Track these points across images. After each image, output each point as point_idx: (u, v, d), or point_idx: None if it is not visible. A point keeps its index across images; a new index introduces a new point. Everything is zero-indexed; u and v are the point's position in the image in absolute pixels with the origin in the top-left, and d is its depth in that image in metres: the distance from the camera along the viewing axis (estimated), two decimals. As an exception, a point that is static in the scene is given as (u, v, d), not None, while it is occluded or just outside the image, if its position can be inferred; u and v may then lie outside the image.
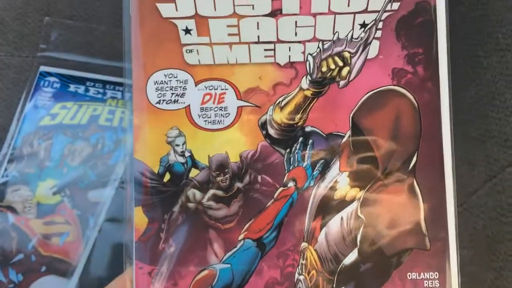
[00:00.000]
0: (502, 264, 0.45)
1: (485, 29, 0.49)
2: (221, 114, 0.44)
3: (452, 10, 0.44)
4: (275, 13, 0.43)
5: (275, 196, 0.44)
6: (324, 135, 0.44)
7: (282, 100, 0.44)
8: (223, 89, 0.44)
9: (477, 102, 0.50)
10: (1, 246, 0.56)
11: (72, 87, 0.60)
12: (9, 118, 0.59)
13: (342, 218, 0.44)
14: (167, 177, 0.44)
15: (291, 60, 0.44)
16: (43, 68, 0.61)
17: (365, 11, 0.44)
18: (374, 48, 0.44)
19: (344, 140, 0.44)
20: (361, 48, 0.44)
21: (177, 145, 0.44)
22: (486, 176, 0.48)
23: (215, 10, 0.43)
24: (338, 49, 0.44)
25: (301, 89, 0.44)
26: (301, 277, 0.43)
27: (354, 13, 0.44)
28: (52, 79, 0.60)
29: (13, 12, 0.61)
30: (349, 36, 0.44)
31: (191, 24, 0.44)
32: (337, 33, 0.44)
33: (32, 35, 0.62)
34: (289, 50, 0.44)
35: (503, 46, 0.47)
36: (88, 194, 0.58)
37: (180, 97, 0.44)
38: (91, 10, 0.62)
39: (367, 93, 0.44)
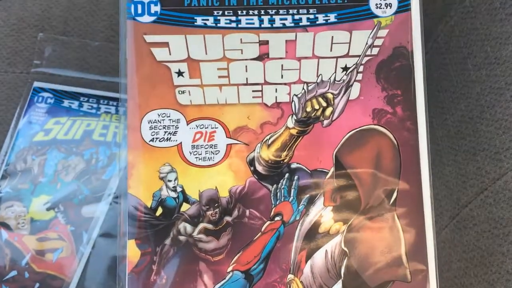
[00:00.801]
0: (494, 277, 0.46)
1: (474, 42, 0.51)
2: (211, 152, 0.47)
3: (441, 23, 0.45)
4: (263, 57, 0.47)
5: (262, 229, 0.46)
6: (309, 171, 0.47)
7: (269, 138, 0.47)
8: (213, 128, 0.47)
9: (467, 116, 0.51)
10: None
11: (66, 103, 0.61)
12: (3, 134, 0.59)
13: (326, 251, 0.46)
14: (159, 211, 0.46)
15: (277, 101, 0.47)
16: (37, 84, 0.61)
17: (347, 55, 0.47)
18: (355, 90, 0.47)
19: (328, 176, 0.47)
20: (343, 90, 0.47)
21: (169, 181, 0.46)
22: (477, 188, 0.49)
23: (206, 54, 0.46)
24: (321, 90, 0.47)
25: (287, 127, 0.47)
26: (288, 308, 0.45)
27: (337, 57, 0.47)
28: (46, 94, 0.60)
29: (7, 28, 0.62)
30: (332, 79, 0.47)
31: (183, 67, 0.47)
32: (320, 76, 0.47)
33: (26, 51, 0.62)
34: (276, 91, 0.47)
35: (492, 60, 0.49)
36: (81, 209, 0.58)
37: (173, 135, 0.47)
38: (85, 26, 0.63)
39: (349, 131, 0.47)
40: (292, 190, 0.47)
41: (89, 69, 0.61)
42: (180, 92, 0.47)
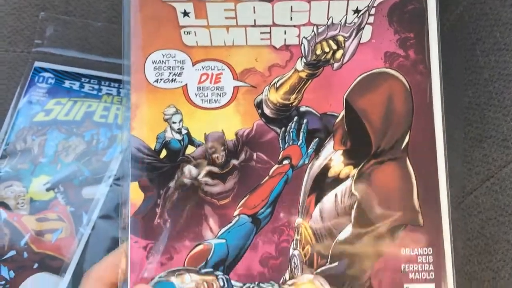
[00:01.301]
0: (499, 265, 0.45)
1: (483, 28, 0.50)
2: (218, 94, 0.45)
3: (449, 9, 0.44)
4: (271, -3, 0.45)
5: (270, 173, 0.45)
6: (319, 115, 0.45)
7: (278, 81, 0.45)
8: (219, 70, 0.45)
9: (474, 102, 0.50)
10: None
11: (67, 83, 0.60)
12: (3, 114, 0.59)
13: (336, 195, 0.44)
14: (163, 153, 0.45)
15: (286, 43, 0.46)
16: (37, 64, 0.60)
17: (358, -3, 0.45)
18: (367, 33, 0.46)
19: (338, 119, 0.45)
20: (354, 33, 0.46)
21: (174, 123, 0.45)
22: (483, 176, 0.49)
23: (212, -7, 0.45)
24: (332, 33, 0.46)
25: (296, 70, 0.45)
26: (296, 252, 0.44)
27: (348, -1, 0.45)
28: (46, 74, 0.60)
29: (8, 7, 0.61)
30: (342, 21, 0.46)
31: (189, 7, 0.45)
32: (331, 18, 0.45)
33: (27, 30, 0.61)
34: (285, 33, 0.46)
35: (501, 46, 0.48)
36: (82, 190, 0.57)
37: (178, 76, 0.45)
38: (87, 6, 0.62)
39: (361, 75, 0.45)
40: (301, 134, 0.45)
41: (90, 50, 0.60)
42: (186, 33, 0.45)
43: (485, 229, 0.48)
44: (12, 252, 0.55)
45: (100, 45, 0.60)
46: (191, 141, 0.45)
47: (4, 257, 0.55)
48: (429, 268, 0.43)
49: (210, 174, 0.45)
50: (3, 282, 0.54)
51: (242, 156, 0.45)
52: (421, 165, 0.44)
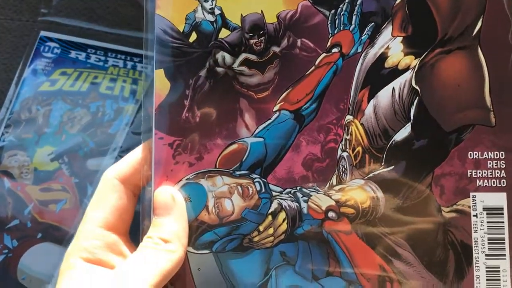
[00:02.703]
0: None
1: None
2: (257, -32, 0.38)
3: None
4: None
5: (316, 62, 0.38)
6: (375, -5, 0.38)
7: (328, -45, 0.38)
8: None
9: None
10: None
11: (73, 54, 0.58)
12: (8, 83, 0.57)
13: (393, 89, 0.38)
14: (193, 37, 0.38)
15: None
16: (43, 33, 0.58)
17: None
18: None
19: (398, 1, 0.38)
20: None
21: (206, 1, 0.38)
22: None
23: None
24: None
25: None
26: (345, 154, 0.38)
27: None
28: (52, 44, 0.58)
29: None
30: None
31: None
32: None
33: None
34: None
35: None
36: (86, 162, 0.55)
37: None
38: None
39: (426, -52, 0.38)
40: (354, 17, 0.38)
41: (97, 21, 0.58)
42: None
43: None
44: (16, 221, 0.54)
45: (107, 16, 0.58)
46: (225, 23, 0.38)
47: (7, 226, 0.54)
48: (500, 174, 0.37)
49: (246, 62, 0.38)
50: (6, 251, 0.53)
51: (284, 43, 0.38)
52: (495, 55, 0.38)
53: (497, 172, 0.38)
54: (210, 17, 0.39)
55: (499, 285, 0.37)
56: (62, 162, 0.55)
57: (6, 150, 0.55)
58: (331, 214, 0.38)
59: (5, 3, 0.59)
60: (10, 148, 0.56)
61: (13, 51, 0.58)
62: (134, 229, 0.39)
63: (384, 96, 0.38)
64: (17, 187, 0.55)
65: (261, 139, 0.38)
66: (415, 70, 0.38)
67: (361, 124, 0.38)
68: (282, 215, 0.38)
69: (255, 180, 0.38)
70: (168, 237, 0.35)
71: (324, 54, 0.38)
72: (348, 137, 0.38)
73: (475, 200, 0.37)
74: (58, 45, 0.58)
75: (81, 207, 0.55)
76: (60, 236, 0.54)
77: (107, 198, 0.36)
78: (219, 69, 0.39)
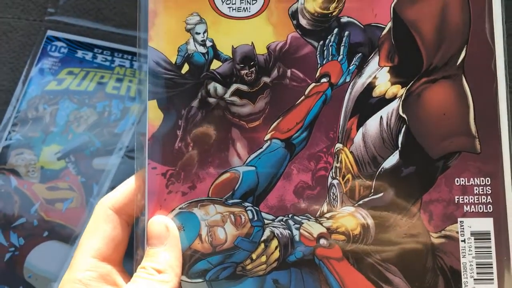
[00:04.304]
0: None
1: None
2: (247, 1, 0.39)
3: None
4: None
5: (306, 92, 0.39)
6: (362, 27, 0.39)
7: (315, -12, 0.39)
8: (249, -26, 0.39)
9: None
10: (3, 209, 0.54)
11: (79, 53, 0.58)
12: (15, 82, 0.58)
13: (381, 117, 0.39)
14: (185, 68, 0.39)
15: None
16: (50, 33, 0.59)
17: None
18: None
19: (384, 32, 0.39)
20: None
21: (197, 33, 0.39)
22: None
23: None
24: None
25: (336, -24, 0.39)
26: (335, 182, 0.38)
27: None
28: (59, 44, 0.59)
29: None
30: None
31: None
32: None
33: None
34: None
35: None
36: (93, 161, 0.56)
37: (202, -19, 0.39)
38: None
39: (410, -19, 0.39)
40: (342, 48, 0.39)
41: (104, 21, 0.58)
42: None
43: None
44: (22, 220, 0.54)
45: (113, 16, 0.58)
46: (217, 55, 0.39)
47: (14, 224, 0.54)
48: (486, 200, 0.38)
49: (238, 92, 0.39)
50: (12, 249, 0.53)
51: (275, 73, 0.39)
52: (479, 84, 0.39)
53: (483, 198, 0.38)
54: (202, 49, 0.40)
55: (488, 309, 0.37)
56: (68, 161, 0.56)
57: (13, 148, 0.56)
58: (322, 241, 0.38)
59: (13, 2, 0.59)
60: (17, 146, 0.56)
61: (20, 50, 0.59)
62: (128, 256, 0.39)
63: (373, 124, 0.39)
64: (24, 186, 0.55)
65: (253, 168, 0.39)
66: (402, 99, 0.39)
67: (351, 152, 0.39)
68: (275, 243, 0.38)
69: (247, 209, 0.38)
70: (161, 268, 0.35)
71: (313, 84, 0.39)
72: (338, 165, 0.39)
73: (463, 226, 0.38)
74: (65, 44, 0.59)
75: (87, 206, 0.55)
76: (66, 235, 0.54)
77: (101, 228, 0.37)
78: (211, 100, 0.39)
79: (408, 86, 0.39)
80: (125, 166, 0.56)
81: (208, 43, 0.39)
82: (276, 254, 0.38)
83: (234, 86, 0.39)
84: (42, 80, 0.58)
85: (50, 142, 0.56)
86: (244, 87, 0.39)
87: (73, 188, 0.55)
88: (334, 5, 0.40)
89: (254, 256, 0.38)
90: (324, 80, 0.39)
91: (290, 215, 0.38)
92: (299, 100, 0.39)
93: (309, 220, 0.38)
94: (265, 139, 0.39)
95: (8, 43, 0.59)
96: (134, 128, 0.38)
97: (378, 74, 0.39)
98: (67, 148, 0.56)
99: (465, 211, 0.38)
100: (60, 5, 0.59)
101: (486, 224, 0.38)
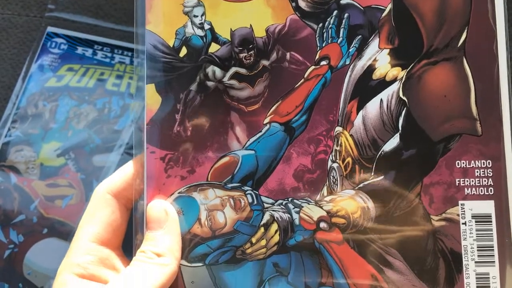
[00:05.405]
0: None
1: None
2: (246, -17, 0.39)
3: None
4: None
5: (305, 75, 0.39)
6: (362, 8, 0.39)
7: (314, -30, 0.39)
8: (248, -45, 0.39)
9: None
10: (3, 206, 0.54)
11: (79, 50, 0.58)
12: (14, 78, 0.58)
13: (381, 100, 0.38)
14: (183, 51, 0.39)
15: None
16: (50, 29, 0.59)
17: None
18: None
19: (384, 14, 0.39)
20: None
21: (195, 16, 0.39)
22: None
23: None
24: None
25: (335, -43, 0.39)
26: (335, 165, 0.38)
27: None
28: (59, 40, 0.58)
29: None
30: None
31: None
32: None
33: None
34: None
35: None
36: (92, 158, 0.55)
37: (199, -37, 0.38)
38: None
39: (411, -38, 0.39)
40: (342, 30, 0.39)
41: (104, 17, 0.58)
42: None
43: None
44: (22, 217, 0.54)
45: (113, 12, 0.58)
46: (215, 38, 0.39)
47: (13, 221, 0.54)
48: (487, 183, 0.38)
49: (236, 76, 0.39)
50: (12, 246, 0.53)
51: (274, 56, 0.39)
52: (480, 65, 0.38)
53: (485, 181, 0.38)
54: (200, 32, 0.39)
55: (489, 291, 0.37)
56: (68, 158, 0.55)
57: (13, 145, 0.55)
58: (322, 224, 0.38)
59: (13, -1, 0.58)
60: (16, 143, 0.56)
61: (20, 47, 0.58)
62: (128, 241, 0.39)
63: (373, 107, 0.39)
64: (23, 182, 0.55)
65: (252, 152, 0.38)
66: (402, 81, 0.39)
67: (351, 135, 0.39)
68: (274, 227, 0.38)
69: (247, 192, 0.38)
70: (161, 251, 0.35)
71: (313, 67, 0.39)
72: (338, 148, 0.39)
73: (464, 208, 0.38)
74: (65, 41, 0.58)
75: (87, 203, 0.54)
76: (66, 232, 0.54)
77: (99, 212, 0.37)
78: (210, 83, 0.39)
79: (409, 68, 0.39)
80: (125, 163, 0.56)
81: (206, 26, 0.39)
82: (276, 237, 0.38)
83: (232, 70, 0.39)
84: (42, 77, 0.58)
85: (50, 139, 0.56)
86: (243, 71, 0.39)
87: (73, 185, 0.55)
88: (333, -13, 0.39)
89: (253, 240, 0.38)
90: (323, 63, 0.39)
91: (289, 199, 0.38)
92: (299, 83, 0.39)
93: (309, 204, 0.38)
94: (264, 122, 0.39)
95: (8, 39, 0.59)
96: (132, 114, 0.38)
97: (378, 57, 0.39)
98: (66, 145, 0.56)
99: (466, 193, 0.38)
100: (60, 2, 0.59)
101: (487, 207, 0.38)
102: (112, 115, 0.57)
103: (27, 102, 0.57)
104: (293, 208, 0.38)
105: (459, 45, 0.39)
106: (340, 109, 0.39)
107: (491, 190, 0.38)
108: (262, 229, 0.38)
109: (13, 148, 0.56)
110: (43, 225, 0.54)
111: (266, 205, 0.38)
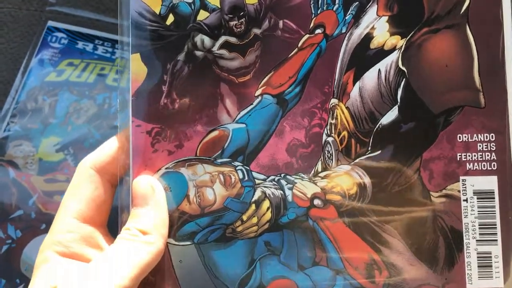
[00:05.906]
0: None
1: None
2: None
3: None
4: None
5: (299, 44, 0.37)
6: (359, -27, 0.37)
7: None
8: None
9: None
10: (1, 200, 0.53)
11: (80, 44, 0.58)
12: (14, 73, 0.57)
13: (379, 70, 0.36)
14: (170, 19, 0.37)
15: None
16: (51, 23, 0.58)
17: None
18: None
19: (382, -21, 0.36)
20: None
21: (183, -18, 0.36)
22: None
23: None
24: None
25: None
26: (330, 139, 0.36)
27: None
28: (59, 34, 0.58)
29: None
30: None
31: None
32: None
33: None
34: None
35: None
36: None
37: None
38: None
39: None
40: (338, -4, 0.36)
41: (105, 12, 0.58)
42: None
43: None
44: (20, 212, 0.54)
45: (113, 7, 0.57)
46: (204, 5, 0.37)
47: (11, 216, 0.54)
48: (490, 157, 0.36)
49: (226, 45, 0.37)
50: (9, 241, 0.53)
51: (266, 24, 0.37)
52: (484, 33, 0.36)
53: (487, 155, 0.36)
54: (188, -1, 0.37)
55: (491, 271, 0.36)
56: (67, 153, 0.55)
57: (12, 140, 0.55)
58: (316, 201, 0.36)
59: (13, -7, 0.58)
60: (15, 138, 0.55)
61: (20, 41, 0.58)
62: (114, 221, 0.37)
63: (370, 78, 0.37)
64: (22, 177, 0.54)
65: (243, 125, 0.37)
66: (402, 50, 0.37)
67: (347, 107, 0.37)
68: (266, 204, 0.36)
69: (237, 168, 0.36)
70: (147, 229, 0.34)
71: (307, 36, 0.37)
72: (333, 121, 0.37)
73: (465, 184, 0.36)
74: (65, 35, 0.58)
75: None
76: None
77: (82, 188, 0.35)
78: (198, 53, 0.37)
79: (408, 36, 0.37)
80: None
81: (195, -8, 0.37)
82: (268, 215, 0.36)
83: (222, 38, 0.37)
84: (41, 71, 0.57)
85: (49, 134, 0.55)
86: (233, 39, 0.37)
87: (72, 180, 0.54)
88: (329, -50, 0.37)
89: (244, 217, 0.36)
90: (318, 31, 0.37)
91: (282, 175, 0.36)
92: (292, 53, 0.37)
93: (302, 180, 0.36)
94: (256, 94, 0.37)
95: (8, 34, 0.58)
96: (118, 84, 0.36)
97: (376, 24, 0.37)
98: (66, 140, 0.55)
99: (467, 168, 0.36)
100: (60, -5, 0.58)
101: (490, 183, 0.36)
102: (112, 110, 0.56)
103: (27, 97, 0.56)
104: (286, 184, 0.36)
105: (462, 11, 0.37)
106: (336, 80, 0.37)
107: (494, 165, 0.36)
108: (253, 206, 0.36)
109: (12, 143, 0.55)
110: (41, 221, 0.54)
111: (257, 181, 0.36)
